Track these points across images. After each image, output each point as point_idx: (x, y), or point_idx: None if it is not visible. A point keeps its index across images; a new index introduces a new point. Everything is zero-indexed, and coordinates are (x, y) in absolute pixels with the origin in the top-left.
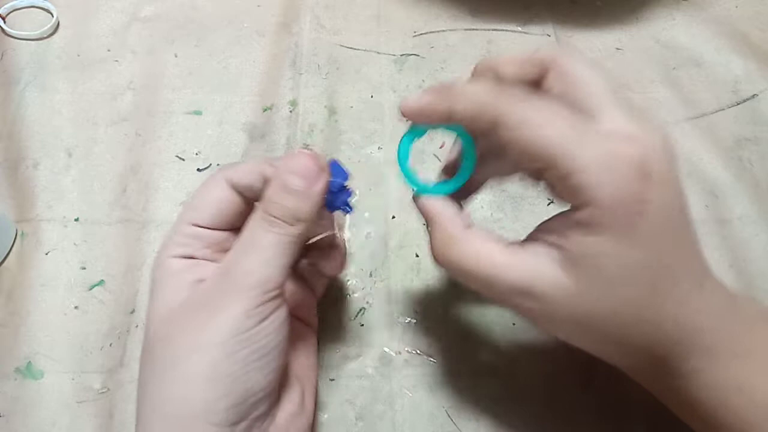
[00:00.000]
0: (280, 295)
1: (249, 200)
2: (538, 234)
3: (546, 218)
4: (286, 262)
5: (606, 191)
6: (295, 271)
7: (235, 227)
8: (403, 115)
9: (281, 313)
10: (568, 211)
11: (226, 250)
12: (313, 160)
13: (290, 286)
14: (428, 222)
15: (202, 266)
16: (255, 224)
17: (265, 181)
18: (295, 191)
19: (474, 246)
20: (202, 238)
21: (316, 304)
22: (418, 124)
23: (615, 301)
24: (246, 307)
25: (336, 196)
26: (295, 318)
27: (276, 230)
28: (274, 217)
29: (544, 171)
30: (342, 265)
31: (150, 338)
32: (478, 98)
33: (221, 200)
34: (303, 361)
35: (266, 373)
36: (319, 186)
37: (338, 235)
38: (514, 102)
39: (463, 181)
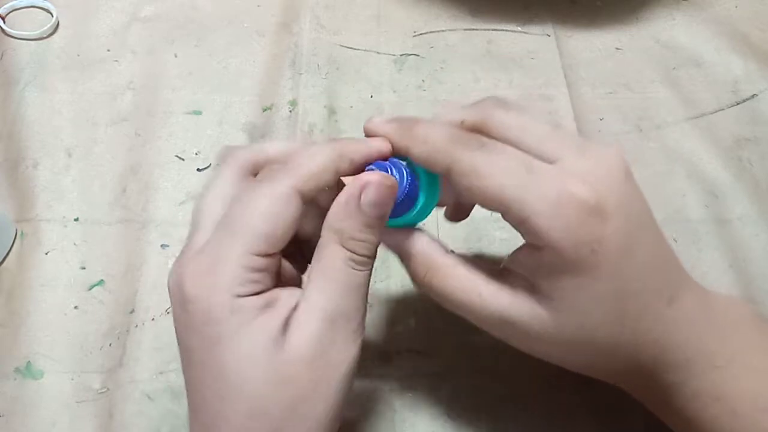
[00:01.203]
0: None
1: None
2: (512, 265)
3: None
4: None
5: (559, 234)
6: None
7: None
8: (365, 134)
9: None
10: (533, 247)
11: (279, 274)
12: (391, 191)
13: None
14: (403, 254)
15: (277, 301)
16: (341, 265)
17: (339, 179)
18: (377, 224)
19: (458, 276)
20: (272, 269)
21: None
22: None
23: (590, 330)
24: (356, 352)
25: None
26: None
27: (365, 268)
28: (361, 255)
29: (502, 215)
30: None
31: (234, 404)
32: (433, 143)
33: (292, 218)
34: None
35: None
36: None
37: None
38: (467, 150)
39: (425, 216)
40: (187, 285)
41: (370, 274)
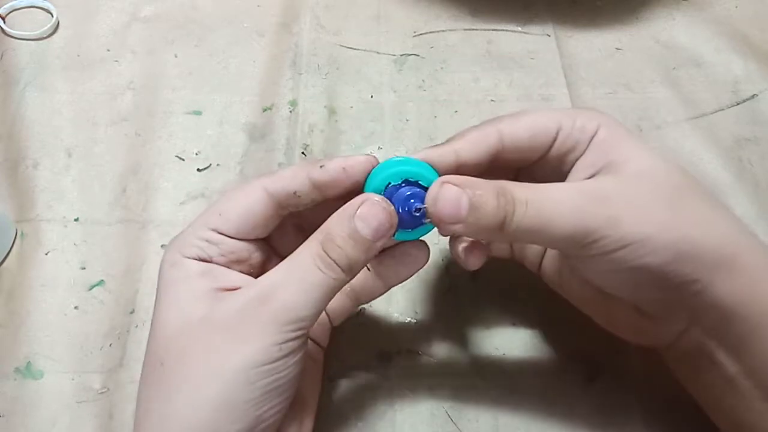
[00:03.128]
0: (309, 331)
1: (283, 210)
2: (573, 180)
3: None
4: (326, 304)
5: (606, 118)
6: None
7: (256, 238)
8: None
9: (304, 347)
10: (587, 147)
11: (240, 260)
12: (388, 216)
13: None
14: (481, 195)
15: (220, 273)
16: (307, 259)
17: (313, 187)
18: (363, 241)
19: (539, 186)
20: (220, 245)
21: (330, 330)
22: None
23: (666, 181)
24: (277, 340)
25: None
26: (310, 340)
27: (330, 273)
28: (332, 259)
29: (552, 144)
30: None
31: (161, 348)
32: (478, 130)
33: (253, 210)
34: (308, 384)
35: (279, 403)
36: (382, 243)
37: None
38: (507, 116)
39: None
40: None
41: (334, 286)
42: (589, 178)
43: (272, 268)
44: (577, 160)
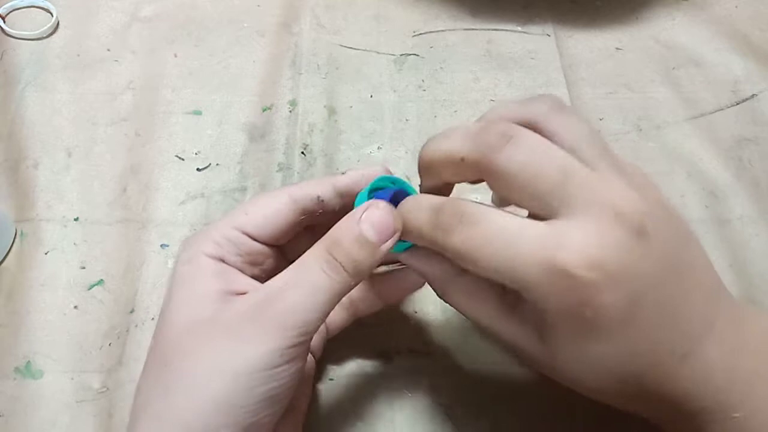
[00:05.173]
0: (311, 339)
1: (306, 217)
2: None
3: None
4: (331, 309)
5: (554, 303)
6: None
7: (274, 244)
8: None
9: (305, 358)
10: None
11: (255, 263)
12: (392, 217)
13: None
14: (422, 272)
15: (233, 275)
16: (314, 262)
17: (336, 192)
18: (368, 244)
19: (472, 295)
20: (240, 245)
21: (325, 341)
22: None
23: (595, 380)
24: (280, 345)
25: None
26: None
27: (336, 277)
28: (339, 262)
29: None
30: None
31: (166, 344)
32: (419, 227)
33: (279, 214)
34: (299, 393)
35: (274, 411)
36: (389, 245)
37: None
38: (450, 234)
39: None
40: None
41: (339, 290)
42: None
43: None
44: None
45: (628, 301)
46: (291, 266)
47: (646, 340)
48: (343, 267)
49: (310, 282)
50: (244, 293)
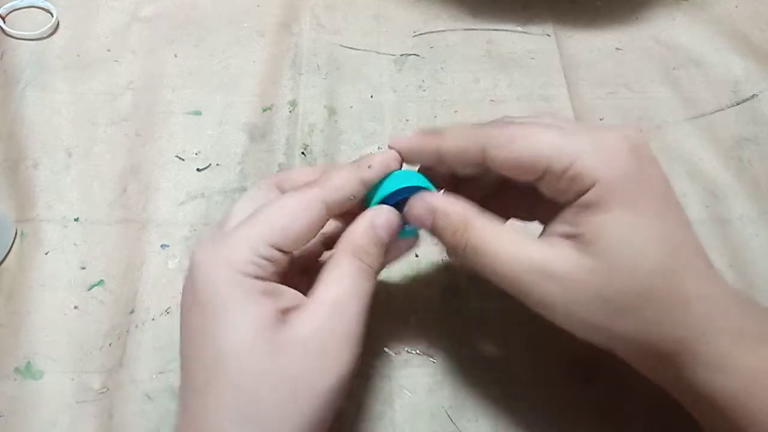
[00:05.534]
0: None
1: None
2: (549, 230)
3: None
4: None
5: (605, 169)
6: None
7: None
8: (392, 148)
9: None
10: (573, 203)
11: (282, 272)
12: (397, 222)
13: None
14: (438, 214)
15: (280, 291)
16: (354, 271)
17: (363, 187)
18: (383, 244)
19: (497, 231)
20: (278, 262)
21: None
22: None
23: (636, 278)
24: (356, 355)
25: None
26: None
27: (370, 279)
28: (368, 265)
29: (540, 179)
30: None
31: (231, 371)
32: (464, 132)
33: (315, 226)
34: None
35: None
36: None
37: None
38: (498, 126)
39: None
40: (199, 256)
41: (372, 289)
42: (567, 236)
43: (287, 273)
44: (567, 204)
45: (662, 184)
46: (330, 278)
47: (680, 229)
48: (371, 267)
49: (359, 290)
50: (294, 307)
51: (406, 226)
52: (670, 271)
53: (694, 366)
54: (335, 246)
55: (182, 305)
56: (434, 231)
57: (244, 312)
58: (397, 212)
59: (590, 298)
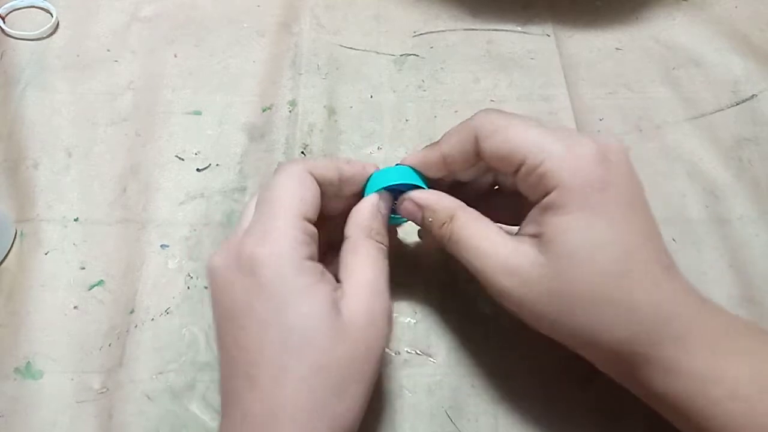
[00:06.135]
0: None
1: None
2: (521, 229)
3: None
4: None
5: (569, 174)
6: None
7: None
8: (404, 164)
9: None
10: (539, 203)
11: None
12: (389, 206)
13: None
14: (428, 207)
15: (325, 272)
16: (372, 247)
17: (340, 181)
18: (385, 224)
19: (476, 224)
20: (313, 238)
21: None
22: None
23: (586, 279)
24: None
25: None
26: None
27: (386, 259)
28: (382, 244)
29: (516, 173)
30: None
31: (303, 356)
32: (457, 128)
33: (317, 192)
34: None
35: None
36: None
37: None
38: (487, 116)
39: None
40: (249, 252)
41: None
42: (532, 235)
43: None
44: (536, 202)
45: (628, 190)
46: (352, 260)
47: (640, 235)
48: (386, 248)
49: (381, 268)
50: (332, 288)
51: (394, 214)
52: (620, 275)
53: (647, 368)
54: (345, 232)
55: (238, 303)
56: (423, 224)
57: (310, 299)
58: (390, 195)
59: (543, 294)
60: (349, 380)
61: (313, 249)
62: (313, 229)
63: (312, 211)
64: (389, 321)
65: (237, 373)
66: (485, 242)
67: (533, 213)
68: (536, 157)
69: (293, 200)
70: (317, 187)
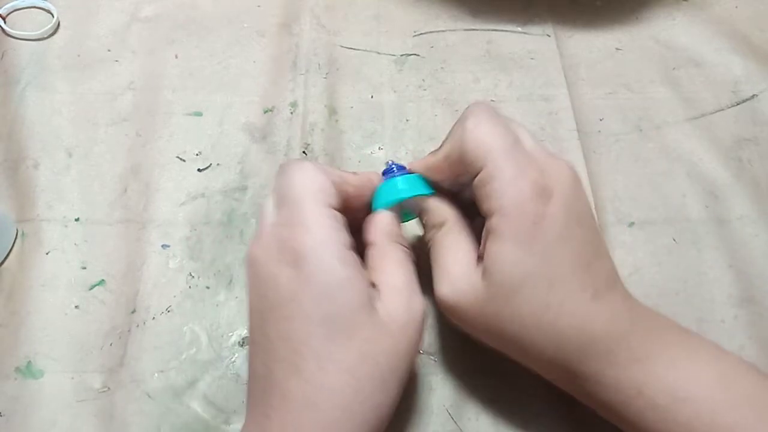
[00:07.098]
0: None
1: None
2: (481, 244)
3: None
4: None
5: (510, 201)
6: None
7: None
8: (412, 171)
9: None
10: (485, 224)
11: None
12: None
13: None
14: (428, 207)
15: (362, 266)
16: (404, 256)
17: (342, 197)
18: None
19: (452, 238)
20: (345, 223)
21: None
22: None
23: (516, 306)
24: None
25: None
26: None
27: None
28: (409, 250)
29: (474, 176)
30: None
31: (382, 351)
32: (453, 132)
33: (332, 183)
34: None
35: None
36: None
37: None
38: (468, 118)
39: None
40: (289, 241)
41: None
42: (481, 256)
43: None
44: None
45: (563, 224)
46: (390, 263)
47: (566, 267)
48: (408, 249)
49: (411, 271)
50: (369, 283)
51: (407, 213)
52: (546, 306)
53: (580, 380)
54: (368, 239)
55: (281, 292)
56: (424, 226)
57: (356, 286)
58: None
59: (478, 315)
60: (390, 373)
61: (347, 236)
62: (342, 216)
63: (335, 200)
64: (425, 320)
65: (279, 360)
66: (448, 256)
67: (484, 231)
68: (489, 173)
69: (316, 191)
70: (329, 178)
